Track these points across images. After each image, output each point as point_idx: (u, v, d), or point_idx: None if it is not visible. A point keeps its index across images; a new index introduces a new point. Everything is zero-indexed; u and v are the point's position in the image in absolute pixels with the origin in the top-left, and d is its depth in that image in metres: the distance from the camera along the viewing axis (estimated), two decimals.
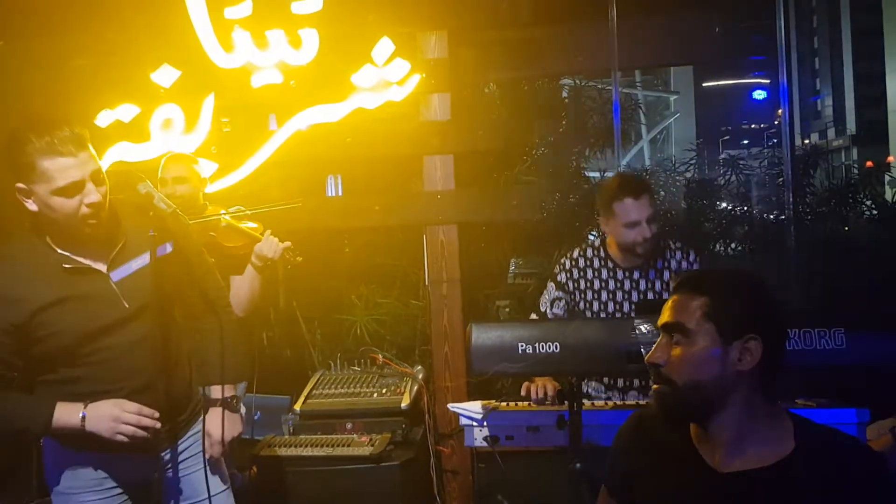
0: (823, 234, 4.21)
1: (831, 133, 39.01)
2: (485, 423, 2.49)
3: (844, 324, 2.07)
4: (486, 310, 3.89)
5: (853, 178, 4.44)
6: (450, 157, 3.43)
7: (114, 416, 1.92)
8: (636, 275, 2.75)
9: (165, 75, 3.28)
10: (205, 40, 3.22)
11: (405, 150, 3.49)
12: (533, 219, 3.82)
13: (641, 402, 2.63)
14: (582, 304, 2.80)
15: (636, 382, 2.74)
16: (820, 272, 3.94)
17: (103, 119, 3.26)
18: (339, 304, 3.79)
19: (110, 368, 1.97)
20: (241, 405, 2.23)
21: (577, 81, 5.03)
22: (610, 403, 2.61)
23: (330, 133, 3.40)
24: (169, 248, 2.06)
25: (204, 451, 2.11)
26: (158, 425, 1.97)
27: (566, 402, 2.17)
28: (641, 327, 2.00)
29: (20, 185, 1.85)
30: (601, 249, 2.82)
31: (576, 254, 2.86)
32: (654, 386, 1.48)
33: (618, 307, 2.76)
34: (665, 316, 1.47)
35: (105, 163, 1.94)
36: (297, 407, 3.12)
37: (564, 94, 5.11)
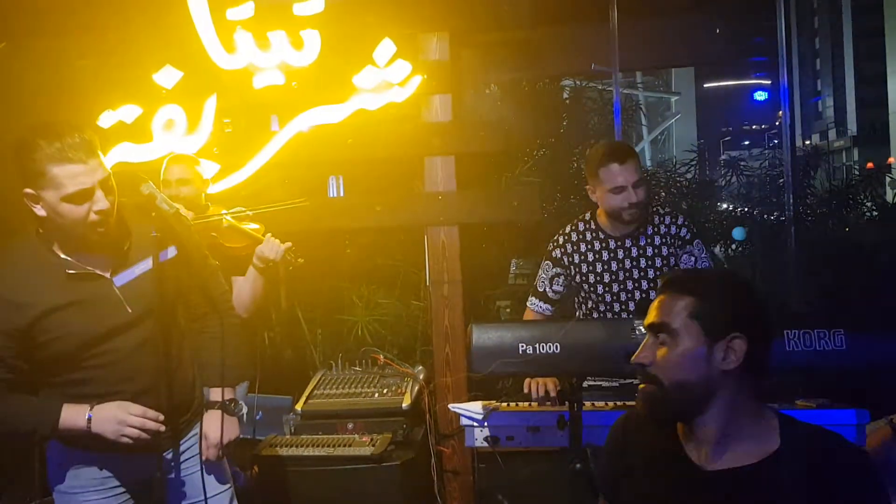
0: (824, 235, 4.22)
1: (832, 134, 39.00)
2: (485, 424, 2.49)
3: (845, 325, 2.07)
4: (487, 310, 3.90)
5: (854, 180, 4.44)
6: (451, 158, 3.44)
7: (119, 418, 1.92)
8: (627, 243, 2.79)
9: (167, 76, 3.29)
10: (207, 41, 3.23)
11: (406, 151, 3.50)
12: (534, 220, 3.83)
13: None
14: (578, 278, 2.84)
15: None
16: (820, 273, 3.94)
17: (106, 120, 3.27)
18: (341, 304, 3.80)
19: (113, 371, 1.98)
20: (242, 406, 2.24)
21: (578, 82, 5.04)
22: (610, 404, 2.61)
23: (331, 134, 3.41)
24: (172, 252, 2.06)
25: (200, 454, 2.12)
26: (163, 428, 1.98)
27: (566, 402, 2.18)
28: (641, 327, 2.00)
29: (28, 190, 1.85)
30: (591, 222, 2.85)
31: (568, 229, 2.90)
32: (641, 386, 1.49)
33: (613, 277, 2.79)
34: (651, 316, 1.48)
35: (107, 163, 1.93)
36: (299, 407, 3.13)
37: (565, 96, 5.12)
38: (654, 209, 2.85)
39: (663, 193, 4.50)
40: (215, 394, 2.16)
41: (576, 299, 2.93)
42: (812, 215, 4.30)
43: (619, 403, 2.63)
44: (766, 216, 4.44)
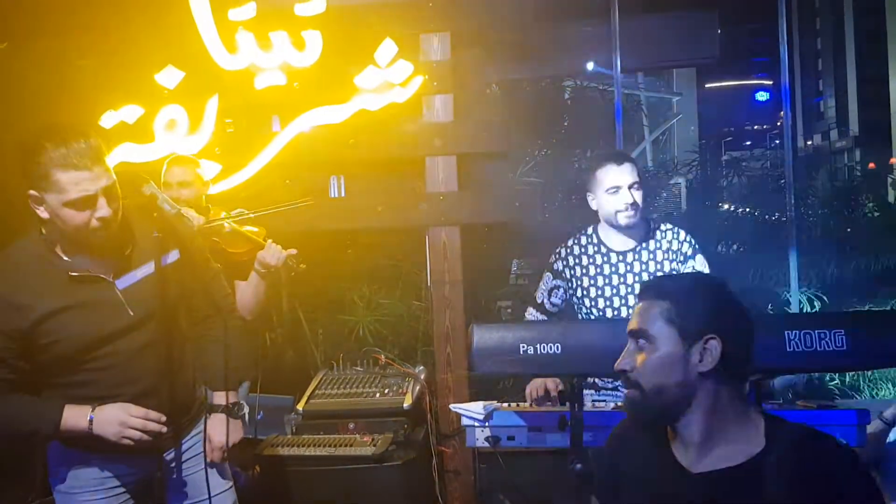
0: (825, 235, 4.22)
1: (834, 134, 38.95)
2: (486, 424, 2.49)
3: (845, 325, 2.07)
4: (488, 310, 3.90)
5: (855, 180, 4.45)
6: (452, 159, 3.44)
7: (120, 420, 1.93)
8: (629, 257, 2.78)
9: (169, 76, 3.29)
10: (209, 42, 3.24)
11: (408, 152, 3.50)
12: (535, 220, 3.83)
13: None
14: (579, 292, 2.83)
15: None
16: (821, 273, 3.95)
17: (107, 120, 3.27)
18: (342, 304, 3.81)
19: (114, 374, 1.98)
20: (244, 406, 2.24)
21: (579, 83, 5.05)
22: (612, 404, 2.62)
23: (333, 134, 3.41)
24: (175, 256, 2.06)
25: (205, 456, 2.12)
26: (164, 429, 1.99)
27: (567, 402, 2.18)
28: None
29: (32, 192, 1.85)
30: (594, 236, 2.85)
31: (570, 242, 2.89)
32: (625, 391, 1.51)
33: (614, 291, 2.78)
34: (631, 323, 1.50)
35: (109, 164, 1.93)
36: (300, 407, 3.13)
37: (567, 96, 5.12)
38: (657, 225, 2.84)
39: (664, 194, 4.51)
40: (219, 397, 2.17)
41: (577, 316, 2.91)
42: (813, 215, 4.31)
43: (619, 404, 2.64)
44: (767, 216, 4.44)
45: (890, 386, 4.02)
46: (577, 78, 5.03)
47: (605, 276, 2.79)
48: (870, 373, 3.94)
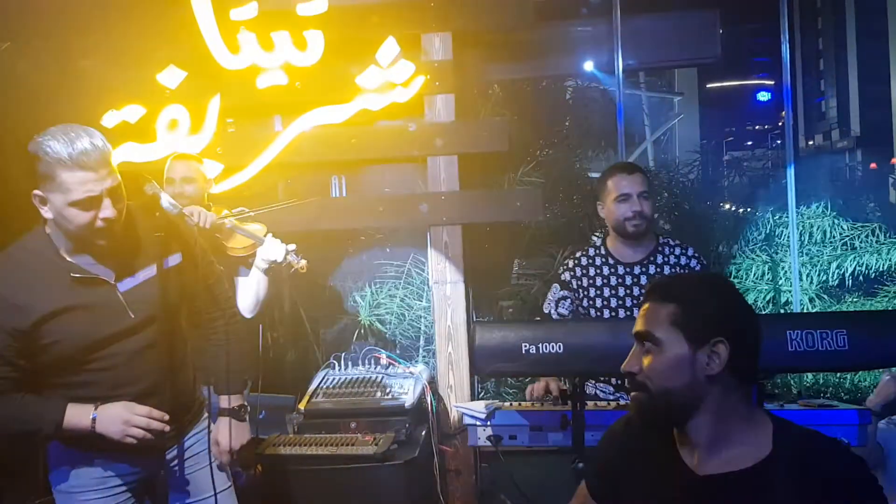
0: (826, 236, 4.22)
1: (835, 134, 38.89)
2: (488, 423, 2.50)
3: (847, 325, 2.08)
4: (490, 310, 3.90)
5: (857, 180, 4.44)
6: (454, 159, 3.45)
7: (124, 418, 1.93)
8: (636, 270, 2.79)
9: (171, 76, 3.30)
10: (211, 42, 3.24)
11: (409, 151, 3.51)
12: (536, 220, 3.83)
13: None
14: (585, 302, 2.84)
15: None
16: (822, 273, 3.95)
17: (109, 119, 3.28)
18: (344, 304, 3.81)
19: (115, 375, 1.98)
20: (247, 407, 2.25)
21: (580, 82, 5.04)
22: (613, 404, 2.62)
23: (335, 134, 3.42)
24: (177, 259, 2.06)
25: (210, 458, 2.13)
26: (168, 429, 1.99)
27: (569, 402, 2.18)
28: None
29: (37, 191, 1.85)
30: (602, 248, 2.87)
31: (578, 254, 2.91)
32: (632, 393, 1.51)
33: (620, 303, 2.79)
34: (637, 325, 1.49)
35: (114, 164, 1.93)
36: (302, 406, 3.13)
37: (568, 96, 5.12)
38: (665, 240, 2.86)
39: (666, 194, 4.50)
40: (224, 400, 2.18)
41: None
42: (815, 216, 4.30)
43: (621, 403, 2.64)
44: (768, 216, 4.43)
45: None
46: (578, 78, 5.02)
47: (611, 288, 2.80)
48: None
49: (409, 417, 3.06)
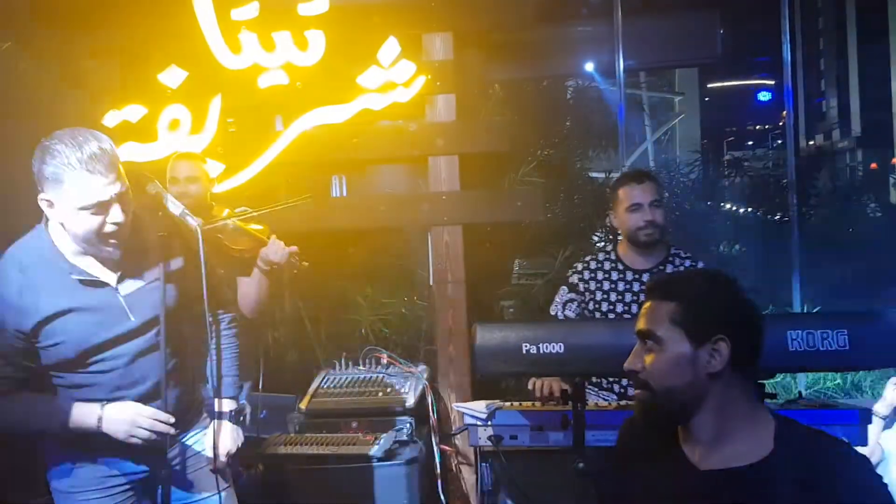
0: (827, 235, 4.22)
1: (836, 134, 38.89)
2: (489, 423, 2.50)
3: (847, 325, 2.08)
4: (491, 310, 3.90)
5: (858, 180, 4.44)
6: (455, 158, 3.45)
7: (130, 419, 1.94)
8: (645, 277, 2.79)
9: (173, 76, 3.30)
10: (212, 42, 3.24)
11: (410, 152, 3.51)
12: (537, 219, 3.83)
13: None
14: (591, 306, 2.85)
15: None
16: (824, 273, 3.95)
17: (111, 119, 3.28)
18: (345, 304, 3.81)
19: (115, 377, 1.98)
20: (246, 406, 2.26)
21: (581, 82, 5.04)
22: (613, 404, 2.62)
23: (336, 134, 3.42)
24: (180, 260, 2.06)
25: (215, 459, 2.13)
26: (172, 431, 2.00)
27: (570, 402, 2.18)
28: None
29: (44, 195, 1.84)
30: (612, 253, 2.89)
31: (588, 258, 2.93)
32: (635, 392, 1.51)
33: (626, 308, 2.79)
34: (638, 323, 1.49)
35: (122, 169, 1.93)
36: (303, 406, 3.13)
37: (569, 96, 5.12)
38: (677, 251, 2.86)
39: (666, 194, 4.51)
40: (223, 404, 2.18)
41: None
42: (815, 215, 4.30)
43: (622, 403, 2.64)
44: (769, 216, 4.44)
45: None
46: (578, 78, 5.03)
47: (618, 293, 2.81)
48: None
49: (410, 417, 3.07)
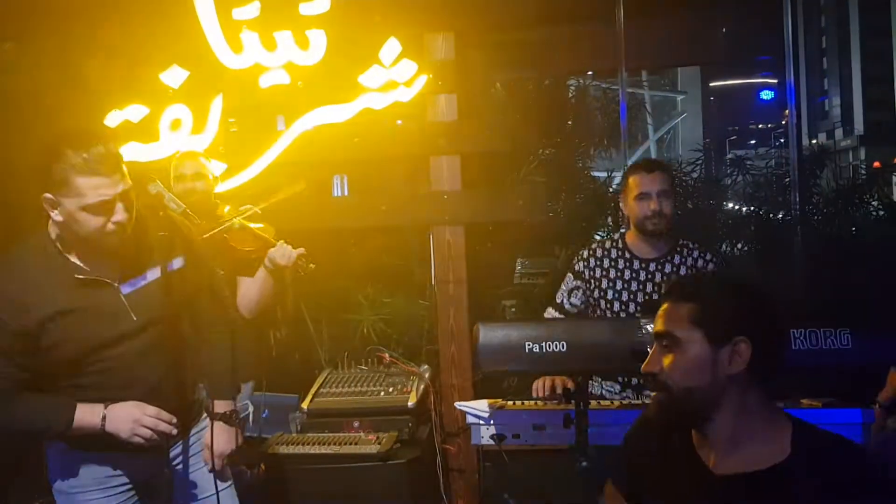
0: (830, 235, 4.20)
1: (839, 133, 38.89)
2: (491, 422, 2.50)
3: (851, 324, 2.08)
4: (493, 309, 3.90)
5: (860, 179, 4.43)
6: (456, 158, 3.44)
7: (134, 417, 1.94)
8: (652, 267, 2.79)
9: (174, 76, 3.30)
10: (213, 41, 3.24)
11: (412, 151, 3.51)
12: (539, 219, 3.83)
13: (647, 402, 2.64)
14: (597, 293, 2.84)
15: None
16: (826, 272, 3.93)
17: (112, 119, 3.28)
18: (346, 303, 3.80)
19: (116, 377, 1.98)
20: (248, 405, 2.25)
21: (583, 81, 5.03)
22: (616, 402, 2.62)
23: (337, 133, 3.41)
24: (180, 263, 2.07)
25: (213, 461, 2.13)
26: (175, 431, 2.00)
27: (573, 400, 2.18)
28: (647, 327, 2.01)
29: (48, 195, 1.85)
30: (620, 241, 2.88)
31: (594, 245, 2.93)
32: (653, 394, 1.51)
33: (631, 296, 2.79)
34: (657, 325, 1.49)
35: (125, 169, 1.94)
36: (305, 405, 3.14)
37: (570, 95, 5.11)
38: (684, 242, 2.86)
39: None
40: (219, 405, 2.18)
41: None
42: (818, 215, 4.28)
43: (625, 402, 2.64)
44: (771, 215, 4.42)
45: None
46: (580, 77, 5.02)
47: (624, 281, 2.81)
48: None
49: (412, 416, 3.07)
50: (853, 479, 1.34)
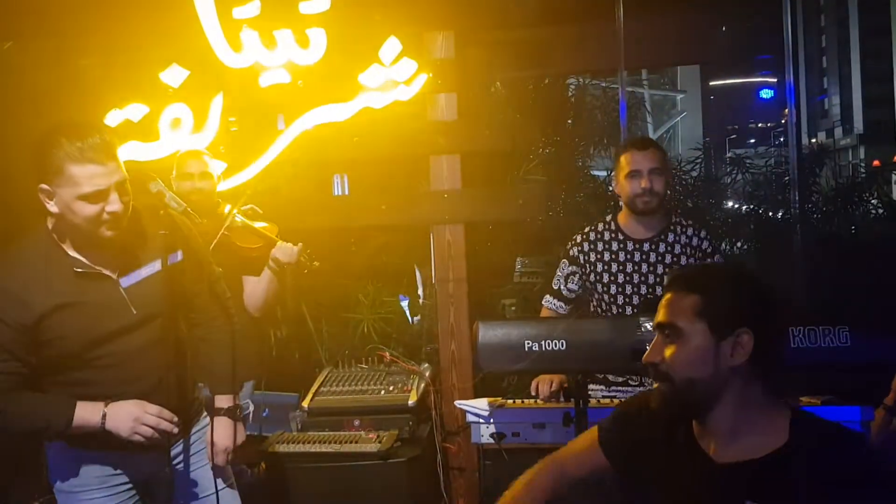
0: (829, 233, 4.21)
1: (838, 132, 38.89)
2: (491, 420, 2.50)
3: (849, 322, 2.08)
4: (493, 308, 3.90)
5: (860, 178, 4.43)
6: (456, 157, 3.45)
7: (135, 415, 1.94)
8: (646, 247, 2.77)
9: (174, 75, 3.30)
10: (213, 40, 3.24)
11: (412, 150, 3.51)
12: (539, 218, 3.84)
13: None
14: (593, 277, 2.82)
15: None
16: (826, 271, 3.94)
17: (113, 118, 3.28)
18: (347, 302, 3.81)
19: (116, 373, 1.98)
20: (249, 404, 2.26)
21: (583, 80, 5.04)
22: (616, 401, 2.62)
23: (337, 132, 3.41)
24: (179, 257, 2.07)
25: (212, 458, 2.13)
26: (176, 430, 2.00)
27: (572, 399, 2.19)
28: (646, 325, 2.01)
29: (44, 186, 1.86)
30: (612, 223, 2.85)
31: (587, 229, 2.90)
32: (655, 384, 1.51)
33: (627, 279, 2.77)
34: (659, 315, 1.49)
35: (120, 160, 1.94)
36: (306, 404, 3.14)
37: (570, 94, 5.12)
38: (678, 220, 2.84)
39: (668, 191, 4.50)
40: (220, 400, 2.18)
41: (591, 302, 2.91)
42: (817, 213, 4.29)
43: (624, 400, 2.64)
44: (771, 214, 4.43)
45: None
46: (580, 76, 5.03)
47: (619, 263, 2.79)
48: None
49: (413, 415, 3.07)
50: (851, 465, 1.35)
